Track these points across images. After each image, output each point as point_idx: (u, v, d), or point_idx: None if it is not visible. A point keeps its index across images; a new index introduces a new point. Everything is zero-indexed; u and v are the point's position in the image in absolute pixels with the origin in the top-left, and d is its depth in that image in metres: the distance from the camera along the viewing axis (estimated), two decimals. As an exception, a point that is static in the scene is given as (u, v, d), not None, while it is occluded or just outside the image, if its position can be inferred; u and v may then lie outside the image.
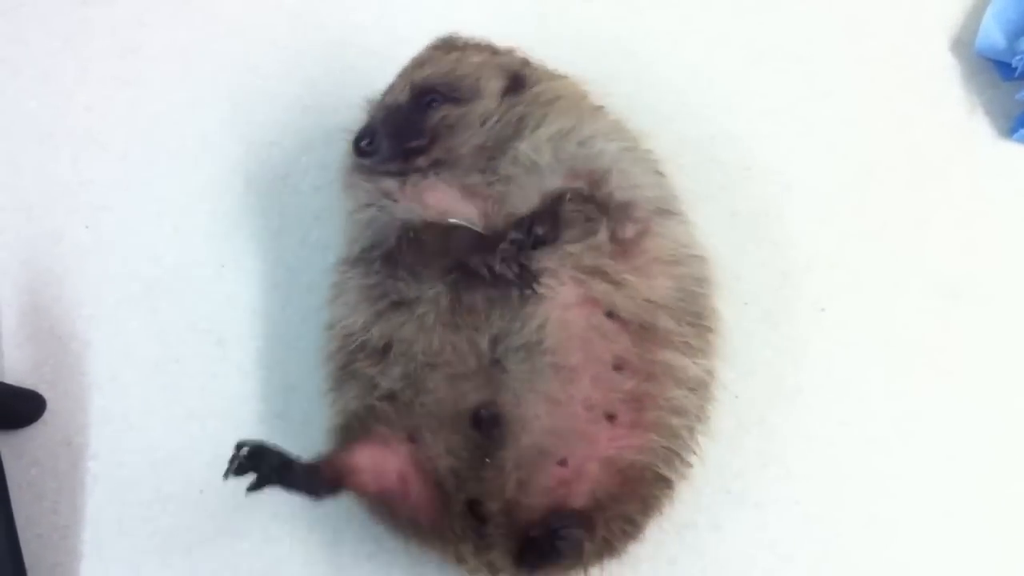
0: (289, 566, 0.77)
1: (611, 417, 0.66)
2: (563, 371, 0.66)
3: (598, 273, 0.68)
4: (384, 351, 0.69)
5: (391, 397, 0.69)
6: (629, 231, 0.69)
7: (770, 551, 0.77)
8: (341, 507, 0.78)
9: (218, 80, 0.94)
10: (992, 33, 0.90)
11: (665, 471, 0.68)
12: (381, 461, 0.68)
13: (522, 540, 0.65)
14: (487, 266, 0.67)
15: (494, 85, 0.74)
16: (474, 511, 0.67)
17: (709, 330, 0.71)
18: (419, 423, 0.68)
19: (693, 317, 0.70)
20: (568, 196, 0.69)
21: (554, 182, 0.70)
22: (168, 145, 0.90)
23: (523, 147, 0.71)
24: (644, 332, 0.68)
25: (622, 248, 0.69)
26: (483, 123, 0.73)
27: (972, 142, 0.89)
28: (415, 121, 0.73)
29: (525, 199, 0.70)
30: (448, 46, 0.77)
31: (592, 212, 0.69)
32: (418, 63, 0.76)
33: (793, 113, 0.90)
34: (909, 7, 0.94)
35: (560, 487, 0.66)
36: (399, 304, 0.69)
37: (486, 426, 0.66)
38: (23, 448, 0.80)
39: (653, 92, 0.91)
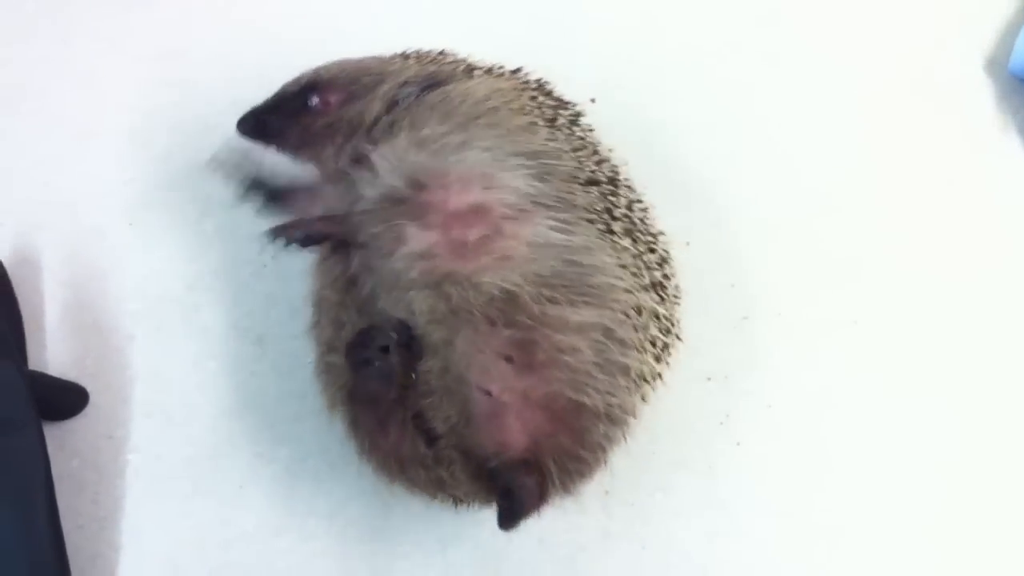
0: (325, 563, 0.78)
1: (508, 359, 0.65)
2: (444, 329, 0.66)
3: (447, 281, 0.65)
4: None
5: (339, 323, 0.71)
6: (472, 234, 0.66)
7: (802, 560, 0.78)
8: (378, 505, 0.79)
9: (258, 83, 0.94)
10: (1026, 54, 0.91)
11: (580, 397, 0.65)
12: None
13: (485, 477, 0.66)
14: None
15: (391, 89, 0.73)
16: (421, 428, 0.67)
17: (588, 296, 0.67)
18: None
19: (565, 291, 0.66)
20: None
21: (390, 187, 0.68)
22: (210, 146, 0.91)
23: (375, 154, 0.69)
24: (506, 305, 0.65)
25: (466, 250, 0.65)
26: (354, 129, 0.72)
27: (1005, 160, 0.90)
28: (287, 119, 0.75)
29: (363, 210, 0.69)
30: (408, 54, 0.77)
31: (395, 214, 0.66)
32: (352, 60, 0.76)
33: (829, 129, 0.92)
34: (945, 29, 0.95)
35: (494, 420, 0.65)
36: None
37: (401, 337, 0.66)
38: (65, 440, 0.80)
39: (686, 102, 0.93)
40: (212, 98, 0.94)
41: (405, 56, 0.77)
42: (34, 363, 0.82)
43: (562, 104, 0.76)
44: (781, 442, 0.81)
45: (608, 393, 0.66)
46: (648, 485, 0.80)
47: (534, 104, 0.73)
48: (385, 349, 0.66)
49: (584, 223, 0.68)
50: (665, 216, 0.86)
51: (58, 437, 0.80)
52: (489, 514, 0.77)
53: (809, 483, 0.80)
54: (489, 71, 0.76)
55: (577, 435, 0.67)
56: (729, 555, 0.78)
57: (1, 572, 0.68)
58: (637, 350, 0.68)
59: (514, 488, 0.64)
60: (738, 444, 0.81)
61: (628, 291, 0.68)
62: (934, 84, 0.93)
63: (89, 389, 0.82)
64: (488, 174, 0.67)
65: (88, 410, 0.82)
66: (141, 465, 0.81)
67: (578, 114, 0.77)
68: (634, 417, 0.70)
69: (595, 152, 0.74)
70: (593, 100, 0.90)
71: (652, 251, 0.73)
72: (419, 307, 0.66)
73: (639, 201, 0.75)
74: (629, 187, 0.75)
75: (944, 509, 0.79)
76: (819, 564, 0.78)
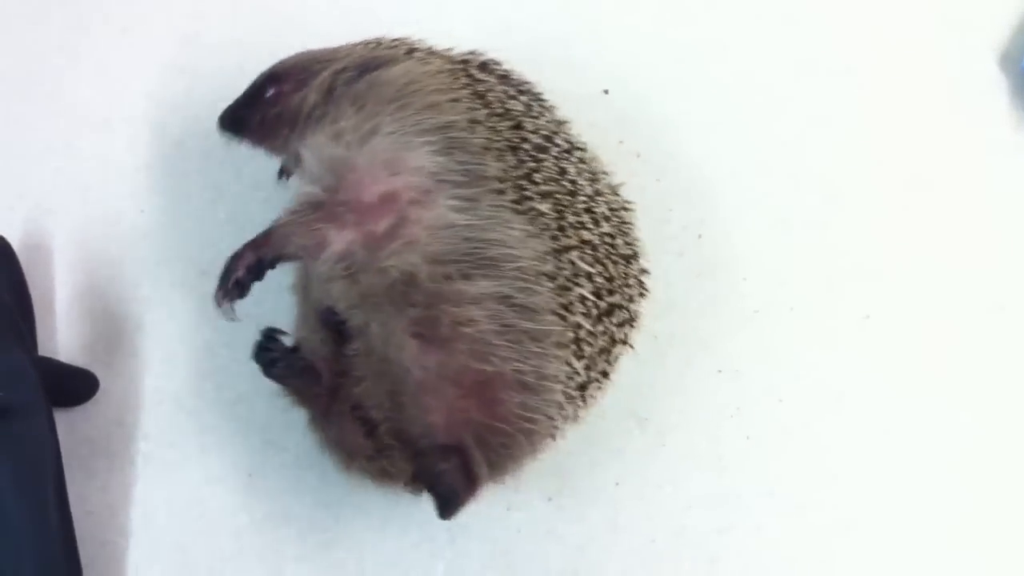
0: (335, 552, 0.78)
1: (418, 335, 0.65)
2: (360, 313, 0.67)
3: (360, 271, 0.66)
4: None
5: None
6: (381, 225, 0.65)
7: (812, 554, 0.78)
8: (386, 495, 0.79)
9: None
10: (1040, 51, 0.91)
11: (483, 365, 0.65)
12: None
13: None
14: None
15: (328, 77, 0.72)
16: (360, 418, 0.69)
17: (485, 269, 0.66)
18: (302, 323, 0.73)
19: (459, 267, 0.65)
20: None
21: (309, 189, 0.68)
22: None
23: (303, 149, 0.69)
24: (406, 286, 0.66)
25: (377, 241, 0.66)
26: (295, 118, 0.72)
27: (1018, 155, 0.90)
28: (251, 112, 0.75)
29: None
30: (368, 41, 0.76)
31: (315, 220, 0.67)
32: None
33: (840, 123, 0.91)
34: (959, 24, 0.94)
35: (415, 401, 0.66)
36: None
37: (329, 323, 0.69)
38: (75, 426, 0.80)
39: (699, 96, 0.92)
40: (225, 85, 0.92)
41: (365, 44, 0.76)
42: (44, 349, 0.82)
43: (506, 79, 0.73)
44: (791, 436, 0.81)
45: (516, 360, 0.65)
46: (657, 478, 0.80)
47: (468, 81, 0.71)
48: (294, 349, 0.71)
49: (492, 194, 0.67)
50: (677, 209, 0.87)
51: (68, 423, 0.80)
52: (497, 507, 0.78)
53: (819, 477, 0.80)
54: (431, 52, 0.74)
55: (490, 407, 0.66)
56: (738, 549, 0.78)
57: (11, 558, 0.68)
58: (555, 314, 0.67)
59: (436, 476, 0.65)
60: (748, 438, 0.81)
61: (534, 259, 0.66)
62: (946, 80, 0.93)
63: (100, 375, 0.82)
64: (393, 159, 0.66)
65: (98, 397, 0.82)
66: (151, 452, 0.81)
67: (529, 90, 0.73)
68: (560, 383, 0.67)
69: (526, 119, 0.71)
70: (606, 91, 0.90)
71: (589, 211, 0.70)
72: (335, 294, 0.67)
73: (582, 163, 0.72)
74: (569, 151, 0.72)
75: (956, 504, 0.79)
76: (828, 558, 0.78)
